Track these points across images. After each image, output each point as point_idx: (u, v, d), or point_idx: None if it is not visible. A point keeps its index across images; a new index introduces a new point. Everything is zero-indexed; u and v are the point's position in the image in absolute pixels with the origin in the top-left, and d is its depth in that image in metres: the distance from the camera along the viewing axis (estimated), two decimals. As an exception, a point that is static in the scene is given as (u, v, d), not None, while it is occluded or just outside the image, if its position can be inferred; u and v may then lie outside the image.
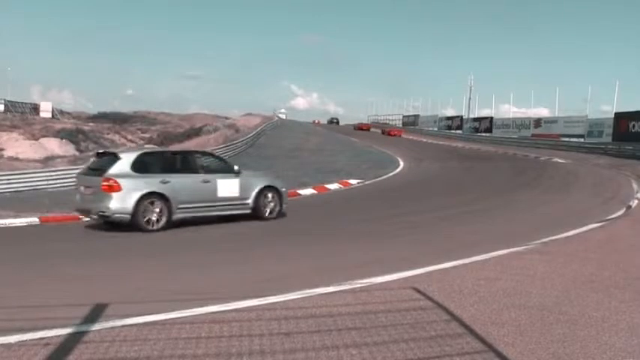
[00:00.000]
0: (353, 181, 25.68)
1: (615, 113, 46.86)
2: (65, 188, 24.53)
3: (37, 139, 58.78)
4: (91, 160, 16.28)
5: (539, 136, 56.87)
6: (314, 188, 23.23)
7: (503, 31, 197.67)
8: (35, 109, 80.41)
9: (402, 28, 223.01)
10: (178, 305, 6.13)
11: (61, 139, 60.65)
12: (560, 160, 37.22)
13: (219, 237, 13.53)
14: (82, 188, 14.55)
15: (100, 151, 17.73)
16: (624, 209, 17.34)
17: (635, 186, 23.38)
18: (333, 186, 24.29)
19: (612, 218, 15.47)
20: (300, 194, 21.90)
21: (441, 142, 58.52)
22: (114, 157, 14.32)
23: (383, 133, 73.36)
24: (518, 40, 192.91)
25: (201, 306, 6.11)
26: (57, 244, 12.89)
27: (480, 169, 32.60)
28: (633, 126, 43.55)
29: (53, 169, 30.84)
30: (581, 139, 50.39)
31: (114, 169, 13.64)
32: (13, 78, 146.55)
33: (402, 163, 34.70)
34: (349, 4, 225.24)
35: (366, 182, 25.99)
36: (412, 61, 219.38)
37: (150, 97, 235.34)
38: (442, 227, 14.61)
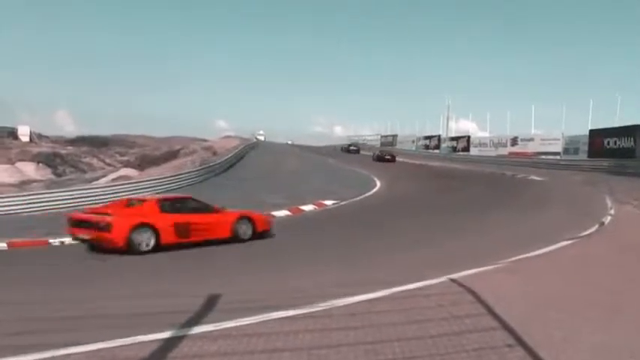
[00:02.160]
0: (328, 202, 25.59)
1: (590, 130, 47.37)
2: (40, 213, 24.25)
3: (13, 164, 58.19)
4: None
5: (516, 154, 57.32)
6: (288, 209, 23.16)
7: (480, 50, 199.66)
8: (13, 133, 79.53)
9: (383, 46, 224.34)
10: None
11: (38, 163, 60.09)
12: (536, 178, 37.47)
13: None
14: None
15: None
16: (597, 226, 17.37)
17: (608, 202, 23.49)
18: (308, 207, 24.22)
19: (584, 235, 15.48)
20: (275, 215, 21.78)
21: (417, 162, 58.61)
22: None
23: None
24: (495, 58, 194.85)
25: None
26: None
27: (456, 188, 32.65)
28: (608, 143, 44.03)
29: (27, 193, 30.48)
30: (558, 157, 50.84)
31: None
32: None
33: (378, 184, 34.66)
34: (329, 23, 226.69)
35: (342, 203, 25.88)
36: (390, 80, 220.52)
37: (129, 120, 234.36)
38: (413, 248, 14.65)
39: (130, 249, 14.40)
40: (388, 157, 60.53)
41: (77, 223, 15.55)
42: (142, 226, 14.80)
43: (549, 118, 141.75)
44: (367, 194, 29.70)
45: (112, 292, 9.62)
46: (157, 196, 18.15)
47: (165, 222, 15.24)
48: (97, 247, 14.87)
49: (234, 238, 16.51)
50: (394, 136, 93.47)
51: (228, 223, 16.61)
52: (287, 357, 5.37)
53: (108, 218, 14.88)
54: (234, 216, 16.99)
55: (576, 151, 48.89)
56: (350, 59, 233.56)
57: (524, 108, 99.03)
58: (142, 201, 16.76)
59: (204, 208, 16.81)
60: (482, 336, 6.02)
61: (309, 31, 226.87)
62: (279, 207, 23.44)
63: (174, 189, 30.44)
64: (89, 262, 13.94)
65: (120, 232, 14.45)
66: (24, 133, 79.98)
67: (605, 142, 44.37)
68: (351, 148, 78.28)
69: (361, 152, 75.61)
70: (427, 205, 25.42)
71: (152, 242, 14.81)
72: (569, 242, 14.02)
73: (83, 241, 15.36)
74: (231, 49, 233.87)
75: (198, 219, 16.07)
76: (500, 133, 63.60)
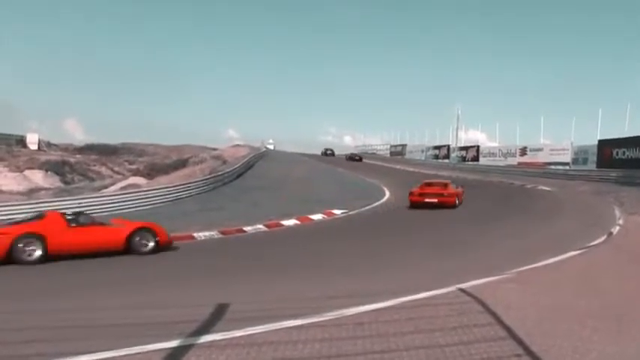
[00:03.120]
0: (337, 211, 25.59)
1: (599, 140, 47.13)
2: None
3: (21, 172, 58.40)
4: None
5: (525, 164, 57.19)
6: (297, 218, 23.15)
7: (490, 61, 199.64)
8: (22, 141, 79.83)
9: (394, 56, 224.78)
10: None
11: (46, 171, 60.28)
12: (545, 188, 37.31)
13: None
14: None
15: None
16: (606, 236, 17.32)
17: (617, 212, 23.42)
18: (317, 216, 24.22)
19: (593, 245, 15.43)
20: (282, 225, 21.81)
21: (426, 171, 58.50)
22: None
23: None
24: (505, 68, 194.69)
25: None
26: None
27: (465, 197, 32.58)
28: (617, 153, 43.85)
29: (36, 201, 30.55)
30: (567, 167, 50.68)
31: None
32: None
33: (387, 194, 34.59)
34: (334, 33, 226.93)
35: (350, 213, 25.85)
36: (400, 90, 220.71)
37: (139, 128, 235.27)
38: (422, 257, 14.62)
39: (454, 206, 27.43)
40: (357, 157, 79.97)
41: (423, 195, 27.80)
42: (457, 195, 28.49)
43: (558, 128, 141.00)
44: (376, 204, 29.66)
45: (120, 300, 9.63)
46: (445, 180, 33.16)
47: (457, 192, 28.72)
48: (438, 205, 26.86)
49: (454, 206, 27.69)
50: (403, 146, 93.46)
51: (454, 195, 28.27)
52: (295, 366, 5.39)
53: (451, 191, 28.58)
54: (455, 190, 29.17)
55: (585, 161, 48.74)
56: (360, 69, 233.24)
57: (534, 118, 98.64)
58: (445, 183, 30.57)
59: (448, 185, 29.63)
60: (490, 346, 6.02)
61: (319, 41, 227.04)
62: (288, 216, 23.43)
63: (183, 197, 30.54)
64: (97, 270, 13.95)
65: (454, 198, 27.95)
66: (33, 141, 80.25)
67: (615, 153, 44.16)
68: (328, 152, 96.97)
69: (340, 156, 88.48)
70: (435, 215, 25.34)
71: (457, 203, 27.96)
72: (578, 252, 13.98)
73: (428, 203, 26.95)
74: (241, 58, 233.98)
75: (451, 191, 28.62)
76: (510, 143, 63.51)
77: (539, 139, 59.26)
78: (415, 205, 27.29)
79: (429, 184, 29.59)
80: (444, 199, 27.27)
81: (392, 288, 9.49)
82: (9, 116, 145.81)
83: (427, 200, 27.05)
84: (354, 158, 79.05)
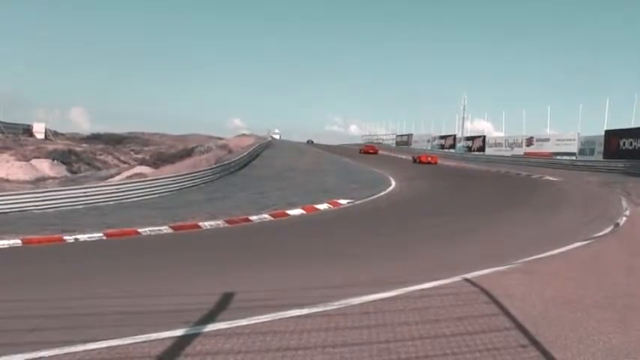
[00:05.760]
0: (343, 201, 25.55)
1: (605, 131, 46.91)
2: (54, 210, 24.36)
3: (28, 161, 58.53)
4: None
5: (531, 154, 57.02)
6: (303, 208, 23.11)
7: (496, 50, 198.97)
8: (28, 130, 79.92)
9: (400, 46, 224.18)
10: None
11: (53, 160, 60.42)
12: (551, 178, 37.20)
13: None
14: None
15: None
16: (612, 227, 17.26)
17: (624, 203, 23.33)
18: (323, 206, 24.18)
19: (599, 236, 15.38)
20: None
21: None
22: None
23: None
24: (511, 58, 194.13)
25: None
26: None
27: (471, 187, 32.53)
28: (624, 143, 43.66)
29: (42, 190, 30.67)
30: (573, 157, 50.51)
31: None
32: (6, 99, 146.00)
33: (393, 183, 34.55)
34: (346, 23, 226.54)
35: (356, 202, 25.82)
36: (407, 80, 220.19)
37: (145, 118, 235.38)
38: (429, 247, 14.60)
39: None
40: (310, 141, 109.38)
41: (421, 158, 53.56)
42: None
43: (565, 118, 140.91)
44: (382, 194, 29.57)
45: (127, 289, 9.65)
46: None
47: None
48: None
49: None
50: (409, 136, 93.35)
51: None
52: (301, 355, 5.37)
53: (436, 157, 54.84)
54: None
55: (592, 151, 48.55)
56: (366, 59, 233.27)
57: (540, 108, 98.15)
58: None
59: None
60: (496, 336, 6.00)
61: (325, 31, 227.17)
62: (294, 205, 23.41)
63: (189, 187, 30.59)
64: (103, 258, 14.01)
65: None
66: (39, 130, 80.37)
67: (621, 143, 44.00)
68: (309, 141, 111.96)
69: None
70: (442, 204, 25.33)
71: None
72: (584, 243, 13.94)
73: (427, 162, 51.74)
74: (247, 48, 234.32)
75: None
76: (516, 133, 63.33)
77: (546, 129, 59.18)
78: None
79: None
80: (434, 161, 49.47)
81: (397, 277, 9.49)
82: (16, 106, 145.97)
83: (425, 160, 49.98)
84: (309, 142, 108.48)
